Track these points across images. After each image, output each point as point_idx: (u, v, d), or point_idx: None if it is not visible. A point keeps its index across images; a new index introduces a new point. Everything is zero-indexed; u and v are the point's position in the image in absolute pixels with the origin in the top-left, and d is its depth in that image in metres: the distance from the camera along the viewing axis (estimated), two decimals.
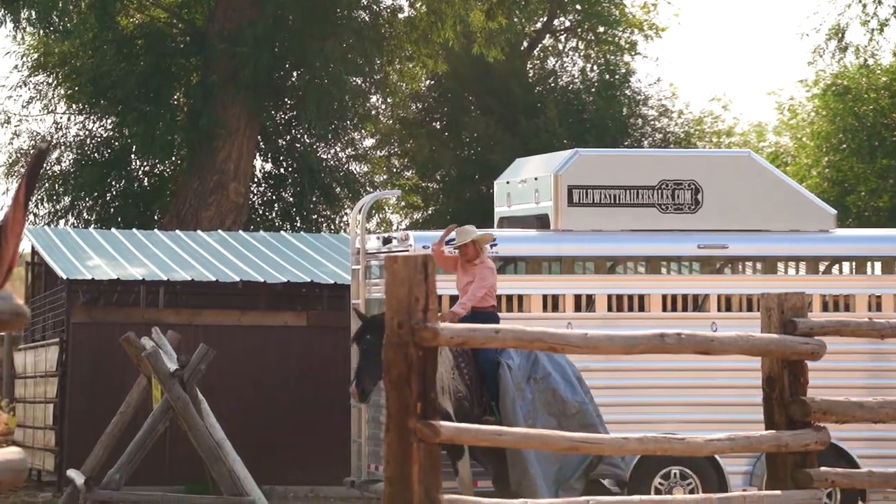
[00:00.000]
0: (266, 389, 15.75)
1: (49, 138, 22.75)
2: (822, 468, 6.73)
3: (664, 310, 12.90)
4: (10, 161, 23.14)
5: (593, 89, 27.33)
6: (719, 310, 12.97)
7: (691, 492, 12.50)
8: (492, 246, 12.44)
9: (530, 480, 10.23)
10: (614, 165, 13.26)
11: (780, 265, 13.39)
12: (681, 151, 19.62)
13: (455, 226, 11.72)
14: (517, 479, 10.26)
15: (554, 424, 10.31)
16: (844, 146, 25.67)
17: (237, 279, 16.01)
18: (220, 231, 19.04)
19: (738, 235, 13.15)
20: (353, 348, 10.93)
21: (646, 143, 26.88)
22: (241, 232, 19.21)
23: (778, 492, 6.61)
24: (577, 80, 27.80)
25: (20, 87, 23.02)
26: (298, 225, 23.60)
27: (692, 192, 13.17)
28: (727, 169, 13.38)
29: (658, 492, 12.52)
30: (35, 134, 23.25)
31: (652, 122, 27.62)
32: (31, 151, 22.68)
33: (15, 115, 23.19)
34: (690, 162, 13.53)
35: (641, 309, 12.90)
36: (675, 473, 12.71)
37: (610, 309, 12.86)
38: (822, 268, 13.38)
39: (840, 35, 25.59)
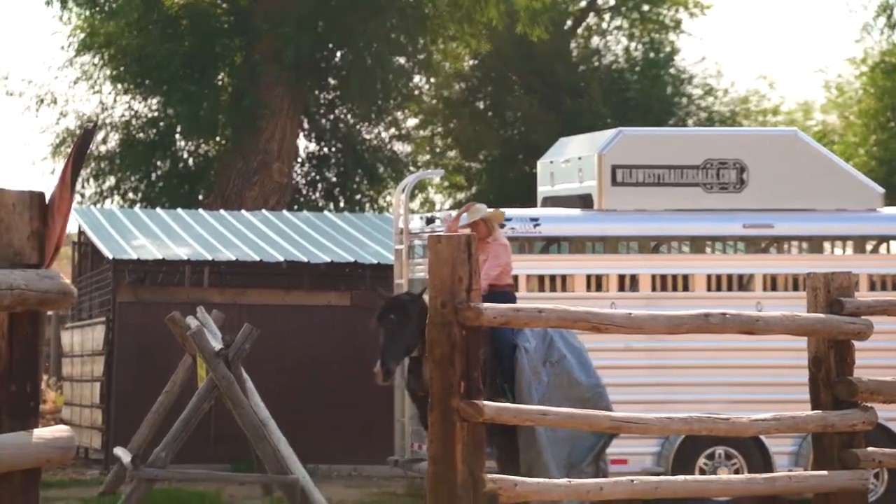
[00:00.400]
0: (310, 369, 15.81)
1: (95, 119, 22.89)
2: (869, 448, 6.68)
3: (709, 289, 12.84)
4: (57, 141, 23.31)
5: (637, 68, 27.18)
6: (765, 289, 12.89)
7: (736, 472, 12.45)
8: (501, 226, 12.54)
9: (543, 464, 10.15)
10: (658, 145, 13.19)
11: (827, 244, 13.29)
12: (726, 130, 19.47)
13: (472, 204, 11.65)
14: (529, 462, 10.15)
15: (568, 407, 10.35)
16: (892, 124, 25.40)
17: (281, 259, 16.08)
18: (264, 211, 19.11)
19: (783, 215, 13.05)
20: (378, 328, 10.93)
21: (690, 122, 26.70)
22: (284, 212, 19.27)
23: (824, 472, 6.57)
24: (621, 59, 27.65)
25: (67, 67, 23.17)
26: (342, 205, 23.65)
27: (737, 171, 13.08)
28: (773, 148, 13.28)
29: (702, 472, 12.48)
30: (81, 114, 23.41)
31: (697, 101, 27.44)
32: (78, 132, 22.84)
33: (61, 95, 23.37)
34: (736, 141, 13.44)
35: (686, 289, 12.84)
36: (719, 454, 12.66)
37: (654, 289, 12.82)
38: (869, 247, 13.26)
39: (888, 12, 25.29)
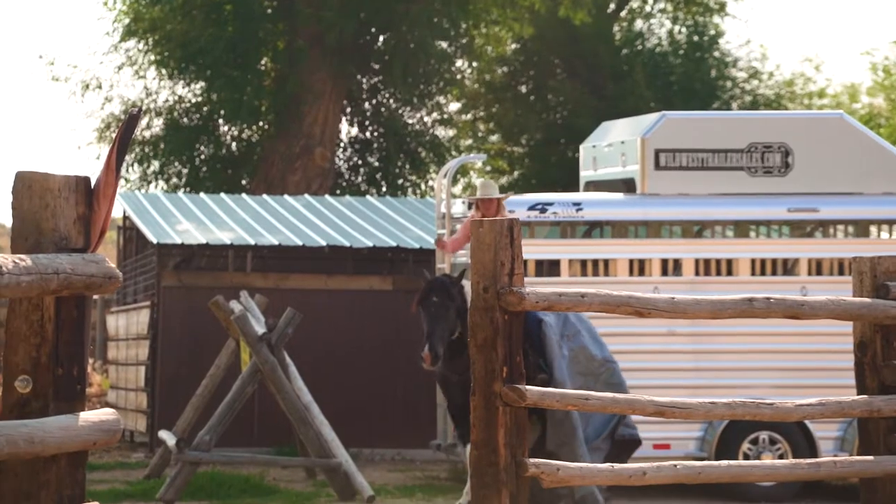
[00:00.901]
0: (352, 353, 15.86)
1: (140, 104, 23.02)
2: None
3: (753, 274, 12.77)
4: (103, 126, 23.46)
5: (681, 51, 27.00)
6: (810, 274, 12.80)
7: (780, 457, 12.39)
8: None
9: (577, 443, 10.00)
10: (702, 128, 13.11)
11: (873, 228, 13.17)
12: (771, 113, 19.31)
13: (484, 181, 11.84)
14: (560, 441, 9.97)
15: (582, 382, 10.21)
16: None
17: (324, 243, 16.12)
18: (306, 195, 19.16)
19: (829, 198, 12.95)
20: (419, 311, 10.85)
21: (735, 105, 26.52)
22: (327, 196, 19.32)
23: (870, 457, 6.52)
24: (664, 42, 27.48)
25: (111, 52, 23.30)
26: (384, 189, 23.67)
27: (782, 154, 12.99)
28: (819, 131, 13.16)
29: (746, 457, 12.43)
30: (126, 99, 23.54)
31: (741, 85, 27.23)
32: (123, 117, 22.98)
33: (107, 80, 23.52)
34: (781, 124, 13.33)
35: (729, 273, 12.78)
36: (763, 439, 12.61)
37: (697, 273, 12.76)
38: None
39: None
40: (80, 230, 4.29)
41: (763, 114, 19.40)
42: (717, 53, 27.12)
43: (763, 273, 12.80)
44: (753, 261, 12.84)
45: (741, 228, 13.14)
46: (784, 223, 13.23)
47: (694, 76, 26.15)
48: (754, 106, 26.59)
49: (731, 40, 38.12)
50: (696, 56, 26.69)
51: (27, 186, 4.25)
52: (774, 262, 12.90)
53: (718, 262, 12.83)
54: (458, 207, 13.46)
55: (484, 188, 11.48)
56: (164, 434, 13.30)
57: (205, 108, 23.04)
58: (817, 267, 12.84)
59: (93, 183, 4.38)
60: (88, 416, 4.28)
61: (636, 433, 10.65)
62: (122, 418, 4.54)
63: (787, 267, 12.96)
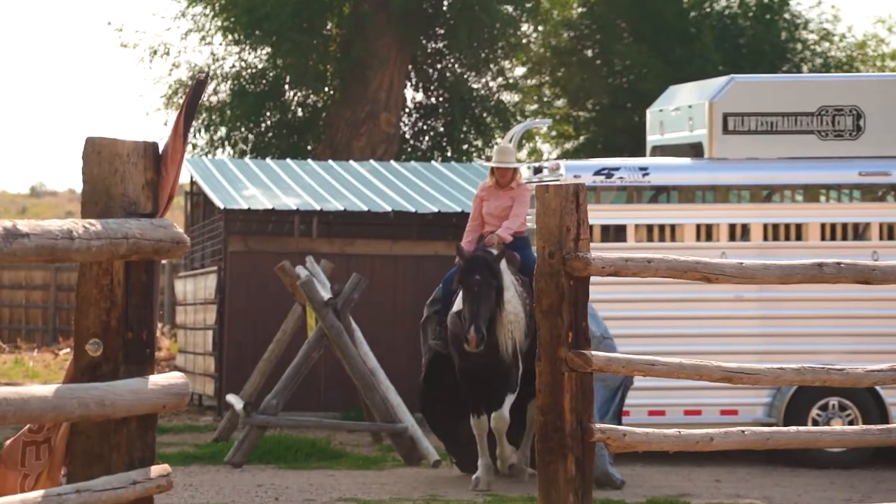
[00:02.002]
0: (417, 318, 15.89)
1: (207, 70, 23.14)
2: None
3: (822, 239, 12.63)
4: (170, 92, 23.62)
5: (750, 14, 26.64)
6: (881, 238, 12.63)
7: (850, 423, 12.28)
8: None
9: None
10: (771, 92, 12.96)
11: None
12: (842, 76, 19.04)
13: (501, 146, 11.68)
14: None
15: None
16: None
17: (389, 209, 16.15)
18: (371, 161, 19.19)
19: None
20: (460, 289, 10.59)
21: (805, 68, 26.15)
22: (392, 162, 19.33)
23: None
24: (733, 4, 27.13)
25: (179, 18, 23.44)
26: (449, 154, 23.65)
27: (853, 117, 12.80)
28: (891, 93, 12.96)
29: (815, 423, 12.33)
30: (193, 65, 23.68)
31: (812, 47, 26.83)
32: (190, 83, 23.11)
33: (174, 46, 23.65)
34: (852, 87, 13.14)
35: (798, 238, 12.65)
36: (833, 405, 12.50)
37: (766, 238, 12.65)
38: None
39: None
40: (148, 195, 4.32)
41: (834, 76, 19.14)
42: (787, 15, 26.72)
43: (833, 238, 12.66)
44: (823, 225, 12.70)
45: (811, 193, 12.99)
46: (855, 187, 13.06)
47: (763, 38, 25.80)
48: (825, 68, 26.20)
49: (802, 2, 37.54)
50: (765, 18, 26.32)
51: (97, 152, 4.28)
52: (845, 226, 12.74)
53: (787, 226, 12.70)
54: (524, 173, 13.41)
55: (501, 154, 11.29)
56: (231, 398, 13.43)
57: (271, 74, 23.12)
58: (889, 231, 12.66)
59: (161, 149, 4.41)
60: (157, 379, 4.33)
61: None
62: (190, 382, 4.58)
63: (857, 231, 12.79)
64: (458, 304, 10.73)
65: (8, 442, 4.85)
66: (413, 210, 16.16)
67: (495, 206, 11.09)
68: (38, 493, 3.89)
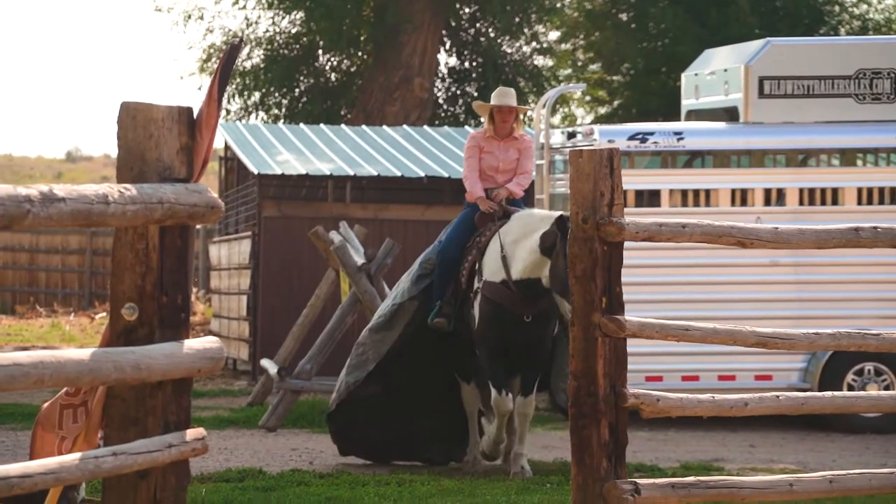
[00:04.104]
0: None
1: (240, 34, 23.15)
2: None
3: (859, 203, 12.55)
4: (204, 57, 23.65)
5: None
6: None
7: (886, 388, 12.23)
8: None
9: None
10: (808, 55, 12.84)
11: None
12: (880, 39, 18.83)
13: (501, 88, 10.23)
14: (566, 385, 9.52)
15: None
16: None
17: (422, 174, 16.14)
18: (405, 126, 19.17)
19: None
20: (554, 254, 9.15)
21: (842, 31, 25.88)
22: (425, 127, 19.30)
23: None
24: None
25: None
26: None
27: (891, 80, 12.68)
28: None
29: (851, 388, 12.29)
30: (227, 30, 23.69)
31: (850, 9, 26.55)
32: (224, 47, 23.12)
33: (208, 10, 23.67)
34: (891, 49, 13.01)
35: (835, 203, 12.57)
36: (868, 370, 12.45)
37: (801, 203, 12.57)
38: None
39: None
40: (182, 160, 4.33)
41: (872, 39, 18.93)
42: None
43: (870, 202, 12.56)
44: (860, 190, 12.61)
45: (848, 157, 12.89)
46: (892, 151, 12.94)
47: (800, 1, 25.55)
48: (863, 31, 25.92)
49: None
50: None
51: (131, 117, 4.30)
52: (882, 190, 12.64)
53: (823, 191, 12.61)
54: (557, 138, 13.37)
55: (502, 95, 9.94)
56: (265, 362, 13.51)
57: (304, 39, 23.10)
58: None
59: (195, 113, 4.41)
60: (192, 343, 4.35)
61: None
62: (224, 346, 4.60)
63: (894, 196, 12.69)
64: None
65: (45, 405, 4.90)
66: (446, 175, 16.14)
67: (501, 160, 9.84)
68: (75, 456, 3.93)
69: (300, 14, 22.91)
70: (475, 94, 23.87)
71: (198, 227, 20.36)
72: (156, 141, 4.28)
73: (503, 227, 9.64)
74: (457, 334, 9.94)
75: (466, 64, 24.01)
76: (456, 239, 9.96)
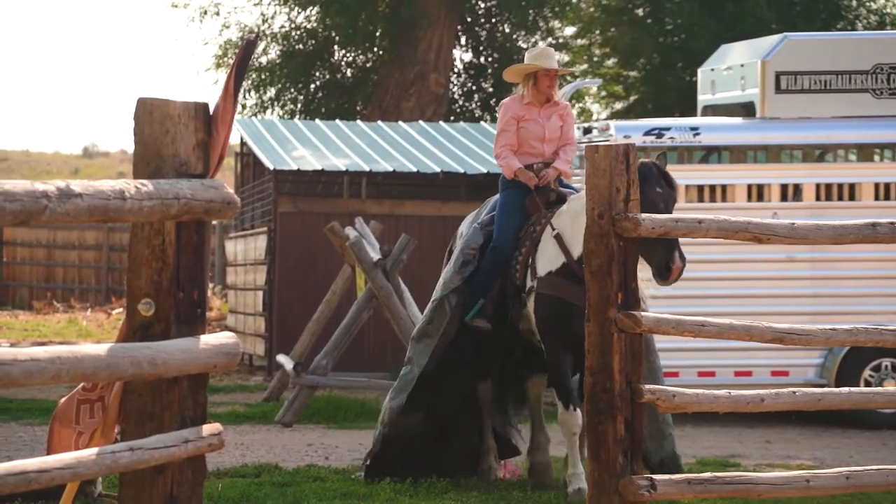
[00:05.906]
0: None
1: (256, 30, 23.17)
2: None
3: (876, 199, 12.51)
4: (220, 52, 23.69)
5: None
6: None
7: None
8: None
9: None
10: (825, 50, 12.80)
11: None
12: None
13: (539, 48, 9.08)
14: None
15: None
16: None
17: (438, 170, 16.13)
18: (420, 122, 19.17)
19: None
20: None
21: (860, 25, 25.79)
22: (441, 122, 19.30)
23: None
24: None
25: None
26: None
27: None
28: None
29: (868, 384, 12.26)
30: (243, 26, 23.71)
31: (867, 4, 26.45)
32: (240, 43, 23.15)
33: (224, 6, 23.69)
34: None
35: (852, 198, 12.53)
36: (886, 365, 12.41)
37: (818, 198, 12.53)
38: None
39: None
40: (199, 156, 4.34)
41: (889, 34, 18.86)
42: None
43: (887, 198, 12.53)
44: (877, 185, 12.56)
45: (865, 152, 12.85)
46: None
47: None
48: (881, 26, 25.82)
49: None
50: None
51: (148, 113, 4.30)
52: None
53: (840, 186, 12.57)
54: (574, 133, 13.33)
55: (543, 56, 8.59)
56: (281, 358, 13.53)
57: (320, 34, 23.11)
58: None
59: (211, 109, 4.42)
60: (209, 339, 4.36)
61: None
62: (240, 342, 4.61)
63: None
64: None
65: (62, 400, 4.91)
66: (462, 171, 16.14)
67: (546, 128, 8.58)
68: (92, 451, 3.94)
69: (316, 9, 22.92)
70: (490, 90, 23.85)
71: (214, 222, 20.39)
72: (172, 137, 4.29)
73: (557, 212, 8.39)
74: (495, 334, 8.74)
75: (482, 59, 23.99)
76: (508, 229, 8.63)
